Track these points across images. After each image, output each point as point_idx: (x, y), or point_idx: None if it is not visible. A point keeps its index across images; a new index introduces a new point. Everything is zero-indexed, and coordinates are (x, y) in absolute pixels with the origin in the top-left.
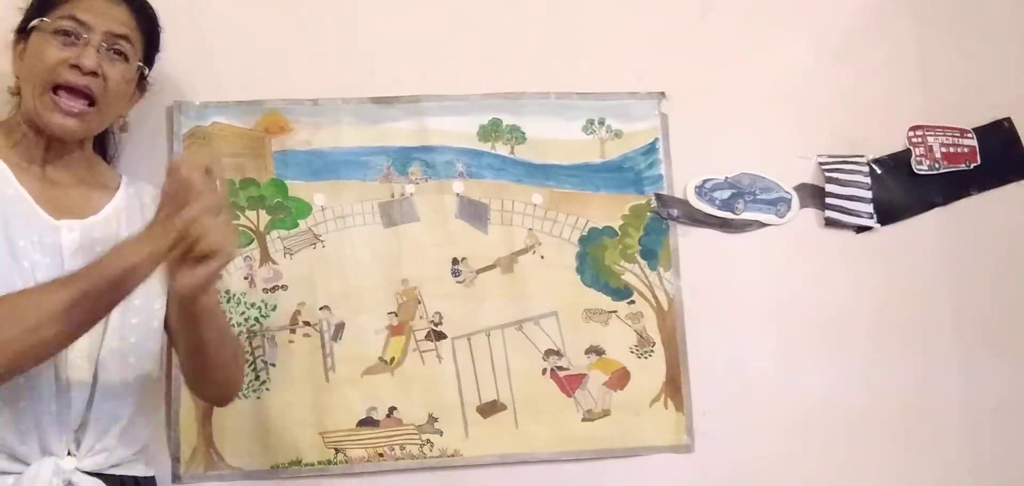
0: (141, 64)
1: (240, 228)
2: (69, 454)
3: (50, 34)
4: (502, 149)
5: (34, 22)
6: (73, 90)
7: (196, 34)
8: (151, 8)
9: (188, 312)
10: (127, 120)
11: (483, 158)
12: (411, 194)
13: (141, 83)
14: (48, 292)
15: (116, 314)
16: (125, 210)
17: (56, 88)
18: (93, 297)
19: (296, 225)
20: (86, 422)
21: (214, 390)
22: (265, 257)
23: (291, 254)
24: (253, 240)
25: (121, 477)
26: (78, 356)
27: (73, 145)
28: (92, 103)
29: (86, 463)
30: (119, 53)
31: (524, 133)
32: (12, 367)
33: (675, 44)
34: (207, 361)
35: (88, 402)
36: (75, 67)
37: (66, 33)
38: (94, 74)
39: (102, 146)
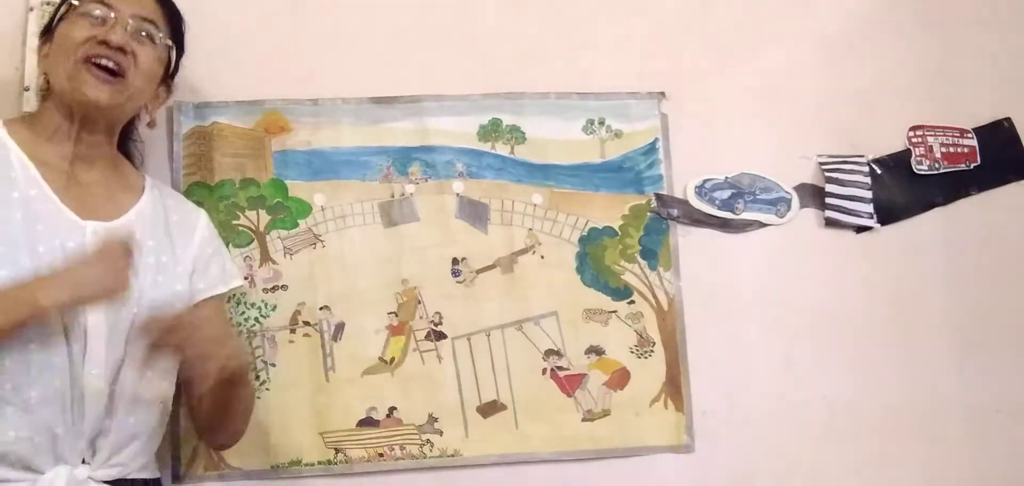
0: (170, 44)
1: (240, 228)
2: (83, 462)
3: (78, 16)
4: (502, 149)
5: (62, 9)
6: (102, 66)
7: (196, 34)
8: (175, 5)
9: (222, 390)
10: (154, 117)
11: (483, 158)
12: (411, 194)
13: (166, 81)
14: None
15: (137, 330)
16: (149, 214)
17: (86, 61)
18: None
19: (296, 225)
20: (104, 431)
21: (223, 441)
22: (265, 257)
23: (291, 254)
24: (253, 240)
25: (131, 481)
26: (94, 366)
27: (102, 140)
28: (122, 77)
29: (100, 473)
30: (146, 35)
31: (524, 133)
32: None
33: (675, 44)
34: (224, 424)
35: (107, 412)
36: (103, 43)
37: (93, 16)
38: (122, 51)
39: (127, 154)
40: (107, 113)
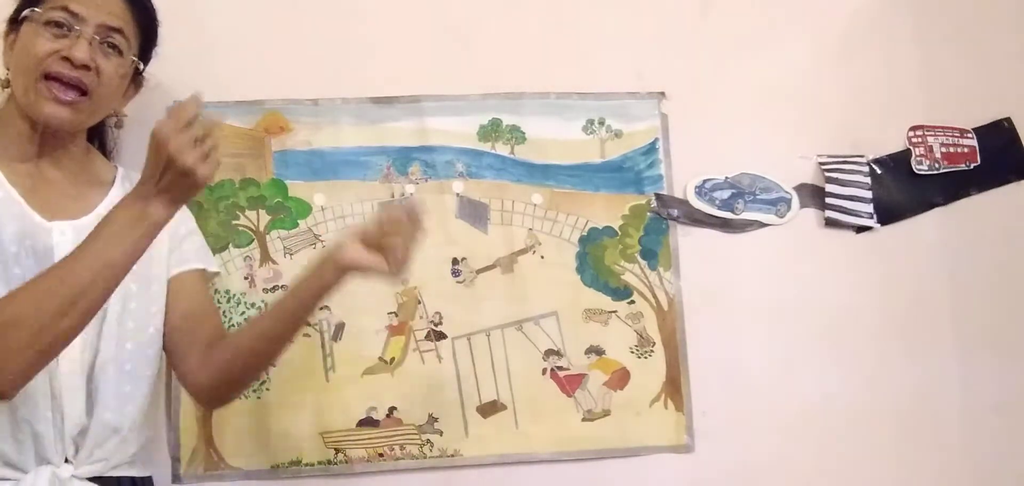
0: (136, 58)
1: (240, 228)
2: (66, 461)
3: (41, 25)
4: (502, 149)
5: (25, 12)
6: (65, 82)
7: (196, 34)
8: (148, 1)
9: (307, 302)
10: (123, 116)
11: (483, 158)
12: (411, 194)
13: (136, 78)
14: (53, 285)
15: (112, 322)
16: None
17: (47, 77)
18: (99, 285)
19: (296, 225)
20: (86, 430)
21: (238, 390)
22: (265, 257)
23: (291, 254)
24: (253, 240)
25: (118, 479)
26: (71, 363)
27: (67, 138)
28: (84, 93)
29: (83, 470)
30: (112, 46)
31: (524, 133)
32: (31, 369)
33: (675, 44)
34: (265, 361)
35: (86, 410)
36: (66, 60)
37: (58, 24)
38: (86, 67)
39: (100, 143)
40: (69, 127)
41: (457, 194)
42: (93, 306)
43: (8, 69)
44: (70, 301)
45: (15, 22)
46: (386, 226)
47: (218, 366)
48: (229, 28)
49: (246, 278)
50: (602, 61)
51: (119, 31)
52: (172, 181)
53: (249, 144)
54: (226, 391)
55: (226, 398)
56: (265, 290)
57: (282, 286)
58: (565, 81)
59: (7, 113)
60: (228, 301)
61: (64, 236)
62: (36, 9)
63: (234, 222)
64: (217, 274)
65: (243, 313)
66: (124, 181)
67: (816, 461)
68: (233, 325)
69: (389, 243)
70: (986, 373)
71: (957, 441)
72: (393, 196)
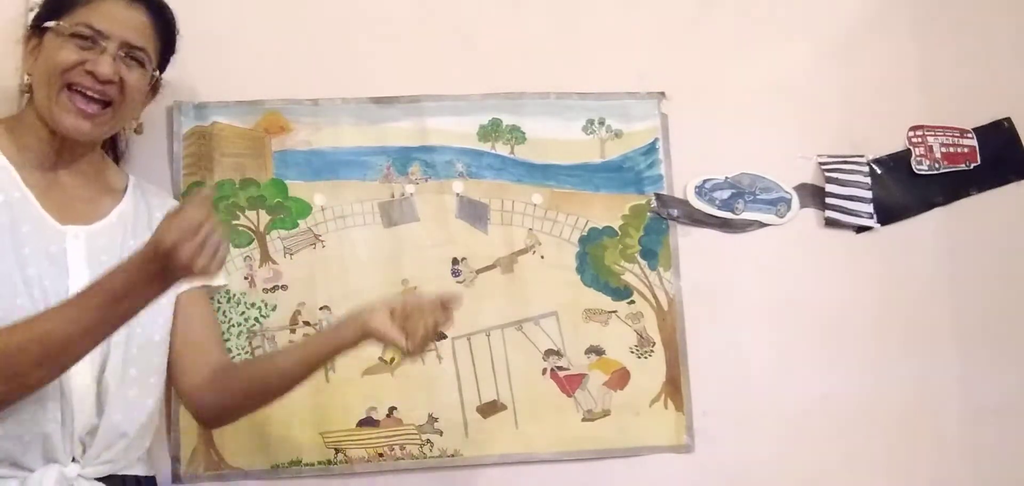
0: (156, 72)
1: (240, 228)
2: (74, 461)
3: (66, 37)
4: (502, 149)
5: (50, 23)
6: (89, 96)
7: (196, 34)
8: (169, 11)
9: (324, 354)
10: (141, 122)
11: (483, 158)
12: (411, 194)
13: (154, 85)
14: (37, 336)
15: (121, 328)
16: (132, 215)
17: (70, 87)
18: (79, 350)
19: (296, 225)
20: (95, 430)
21: (241, 416)
22: (265, 257)
23: (291, 254)
24: (253, 240)
25: (123, 477)
26: (82, 365)
27: (85, 146)
28: (107, 106)
29: (90, 470)
30: (135, 60)
31: (524, 133)
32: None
33: (675, 44)
34: (273, 396)
35: (96, 410)
36: (90, 73)
37: (82, 37)
38: (110, 82)
39: (112, 146)
40: (90, 139)
41: (457, 194)
42: (69, 364)
43: (29, 75)
44: (50, 356)
45: (37, 28)
46: (415, 312)
47: (229, 391)
48: (229, 28)
49: (246, 278)
50: (602, 61)
51: (142, 48)
52: (167, 269)
53: (249, 144)
54: (231, 414)
55: (227, 420)
56: (265, 290)
57: (282, 286)
58: (565, 81)
59: (27, 117)
60: (228, 301)
61: (77, 240)
62: (61, 22)
63: (234, 222)
64: (224, 286)
65: (243, 313)
66: (136, 190)
67: (816, 461)
68: (233, 325)
69: (412, 327)
70: (986, 373)
71: (957, 441)
72: (393, 196)
